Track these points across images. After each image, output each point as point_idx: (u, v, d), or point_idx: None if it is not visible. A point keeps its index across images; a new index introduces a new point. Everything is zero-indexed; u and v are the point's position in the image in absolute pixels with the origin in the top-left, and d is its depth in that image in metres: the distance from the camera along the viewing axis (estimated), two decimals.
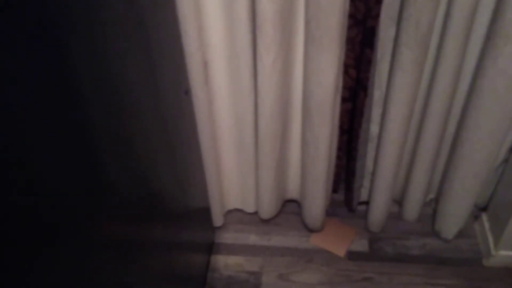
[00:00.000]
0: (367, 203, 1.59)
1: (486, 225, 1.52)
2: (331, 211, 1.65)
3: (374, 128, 1.40)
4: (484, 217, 1.54)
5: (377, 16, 1.17)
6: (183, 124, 1.19)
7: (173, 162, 1.11)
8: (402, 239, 1.57)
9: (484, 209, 1.56)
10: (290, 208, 1.67)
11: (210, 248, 1.56)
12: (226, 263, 1.52)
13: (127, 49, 0.80)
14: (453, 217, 1.49)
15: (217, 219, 1.58)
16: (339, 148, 1.47)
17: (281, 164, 1.46)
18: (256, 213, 1.64)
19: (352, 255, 1.54)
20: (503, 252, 1.45)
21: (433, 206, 1.62)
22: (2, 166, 0.47)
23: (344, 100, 1.33)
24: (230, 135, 1.41)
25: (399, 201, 1.63)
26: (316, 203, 1.50)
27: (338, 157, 1.50)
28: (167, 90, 1.03)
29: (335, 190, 1.64)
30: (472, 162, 1.34)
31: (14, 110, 0.48)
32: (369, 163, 1.50)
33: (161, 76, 0.98)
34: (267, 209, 1.58)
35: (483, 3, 1.13)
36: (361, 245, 1.56)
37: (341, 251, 1.55)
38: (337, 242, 1.57)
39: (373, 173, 1.46)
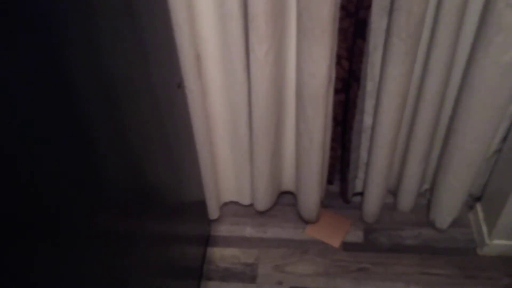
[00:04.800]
0: (362, 194, 1.60)
1: (480, 214, 1.53)
2: (326, 203, 1.66)
3: (367, 119, 1.41)
4: (478, 206, 1.55)
5: (368, 7, 1.17)
6: (178, 117, 1.19)
7: (168, 155, 1.11)
8: (397, 229, 1.58)
9: (478, 199, 1.57)
10: (285, 200, 1.67)
11: (206, 240, 1.57)
12: (222, 255, 1.53)
13: (120, 43, 0.80)
14: (447, 207, 1.50)
15: (213, 212, 1.58)
16: (333, 139, 1.47)
17: (276, 156, 1.47)
18: (251, 205, 1.65)
19: (347, 246, 1.55)
20: (497, 241, 1.46)
21: (427, 197, 1.63)
22: (1, 161, 0.47)
23: (337, 91, 1.34)
24: (224, 127, 1.42)
25: (393, 192, 1.63)
26: (311, 194, 1.50)
27: (333, 149, 1.51)
28: (160, 84, 1.04)
29: (330, 181, 1.65)
30: (465, 152, 1.34)
31: (10, 105, 0.49)
32: (364, 154, 1.50)
33: (154, 69, 0.98)
34: (263, 201, 1.59)
35: None
36: (356, 236, 1.57)
37: (336, 242, 1.55)
38: (332, 233, 1.58)
39: (368, 164, 1.47)
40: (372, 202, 1.53)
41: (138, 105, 0.89)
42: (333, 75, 1.28)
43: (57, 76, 0.59)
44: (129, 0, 0.83)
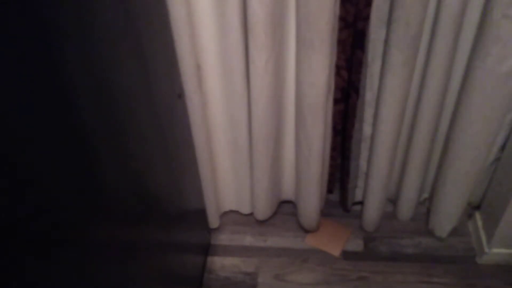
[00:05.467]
0: (361, 203, 1.61)
1: (479, 223, 1.54)
2: (326, 212, 1.66)
3: (367, 129, 1.42)
4: (477, 215, 1.56)
5: (367, 18, 1.18)
6: (178, 127, 1.20)
7: (168, 165, 1.12)
8: (396, 238, 1.59)
9: (477, 207, 1.57)
10: (285, 209, 1.68)
11: (207, 249, 1.57)
12: (222, 264, 1.54)
13: (120, 53, 0.81)
14: (447, 215, 1.51)
15: (213, 221, 1.59)
16: (333, 149, 1.48)
17: (275, 166, 1.47)
18: (251, 214, 1.65)
19: (347, 255, 1.55)
20: (496, 250, 1.47)
21: (427, 205, 1.64)
22: (1, 168, 0.48)
23: (336, 101, 1.35)
24: (224, 137, 1.43)
25: (393, 200, 1.64)
26: (311, 203, 1.51)
27: (332, 158, 1.51)
28: (161, 94, 1.04)
29: (330, 190, 1.65)
30: (464, 161, 1.35)
31: (11, 114, 0.49)
32: (363, 163, 1.51)
33: (154, 79, 0.99)
34: (263, 210, 1.59)
35: (471, 4, 1.14)
36: (356, 245, 1.58)
37: (336, 251, 1.56)
38: (332, 242, 1.58)
39: (367, 173, 1.48)
40: (372, 211, 1.53)
41: (138, 114, 0.90)
42: (333, 85, 1.29)
43: (55, 85, 0.59)
44: (128, 9, 0.84)
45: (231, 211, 1.68)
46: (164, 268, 1.11)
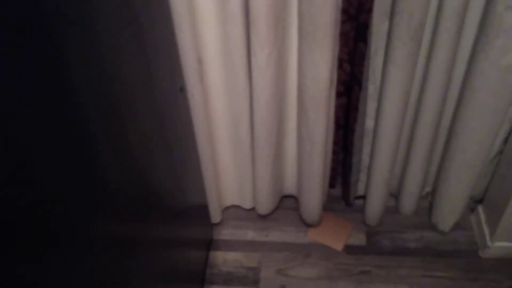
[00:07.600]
0: (364, 197, 1.60)
1: (482, 217, 1.53)
2: (328, 206, 1.66)
3: (369, 123, 1.41)
4: (480, 209, 1.55)
5: (370, 10, 1.18)
6: (179, 122, 1.19)
7: (170, 160, 1.11)
8: (399, 232, 1.58)
9: (480, 201, 1.57)
10: (287, 204, 1.68)
11: (209, 244, 1.57)
12: (224, 259, 1.53)
13: (122, 47, 0.80)
14: (449, 209, 1.50)
15: (215, 216, 1.58)
16: (335, 143, 1.48)
17: (277, 160, 1.47)
18: (253, 209, 1.65)
19: (350, 249, 1.55)
20: (499, 244, 1.46)
21: (429, 199, 1.63)
22: (1, 166, 0.48)
23: (339, 94, 1.34)
24: (226, 131, 1.42)
25: (395, 194, 1.64)
26: (313, 198, 1.51)
27: (334, 152, 1.51)
28: (162, 88, 1.04)
29: (332, 185, 1.65)
30: (466, 155, 1.35)
31: (11, 111, 0.49)
32: (365, 157, 1.51)
33: (156, 73, 0.99)
34: (265, 205, 1.59)
35: None
36: (359, 239, 1.57)
37: (338, 245, 1.56)
38: (335, 237, 1.58)
39: (369, 167, 1.47)
40: (374, 205, 1.53)
41: (140, 109, 0.89)
42: (335, 78, 1.29)
43: (56, 80, 0.59)
44: (130, 4, 0.84)
45: (233, 206, 1.68)
46: (167, 264, 1.11)
